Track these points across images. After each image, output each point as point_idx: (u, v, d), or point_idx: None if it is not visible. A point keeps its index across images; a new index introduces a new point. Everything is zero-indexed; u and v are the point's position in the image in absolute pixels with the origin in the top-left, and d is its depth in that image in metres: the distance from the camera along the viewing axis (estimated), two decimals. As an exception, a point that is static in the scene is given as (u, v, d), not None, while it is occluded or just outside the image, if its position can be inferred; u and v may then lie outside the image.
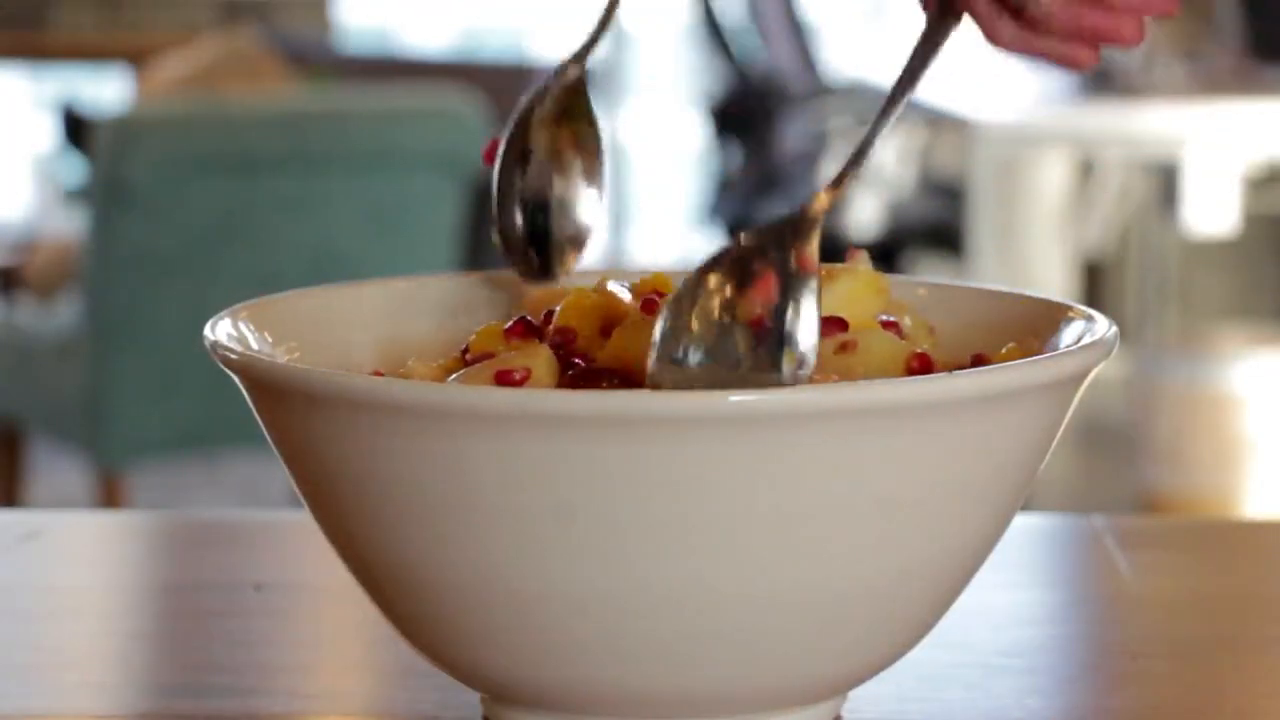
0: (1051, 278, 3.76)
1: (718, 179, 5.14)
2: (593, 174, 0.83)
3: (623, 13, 0.84)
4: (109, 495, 3.29)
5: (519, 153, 0.83)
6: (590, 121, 0.83)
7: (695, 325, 0.67)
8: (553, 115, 0.83)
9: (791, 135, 4.93)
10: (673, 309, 0.67)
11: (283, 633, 0.91)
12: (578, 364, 0.73)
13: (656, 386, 0.66)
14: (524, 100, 0.84)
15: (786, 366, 0.66)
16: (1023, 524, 0.95)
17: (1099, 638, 0.91)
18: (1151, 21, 0.71)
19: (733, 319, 0.67)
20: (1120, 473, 3.98)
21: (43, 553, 1.02)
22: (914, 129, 4.52)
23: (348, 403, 0.67)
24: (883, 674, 0.74)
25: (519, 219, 0.83)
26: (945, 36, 0.71)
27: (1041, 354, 0.75)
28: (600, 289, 0.77)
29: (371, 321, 0.83)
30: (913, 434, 0.66)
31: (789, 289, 0.67)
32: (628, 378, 0.71)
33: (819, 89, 4.98)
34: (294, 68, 4.06)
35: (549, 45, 6.50)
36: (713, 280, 0.67)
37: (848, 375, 0.72)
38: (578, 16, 6.36)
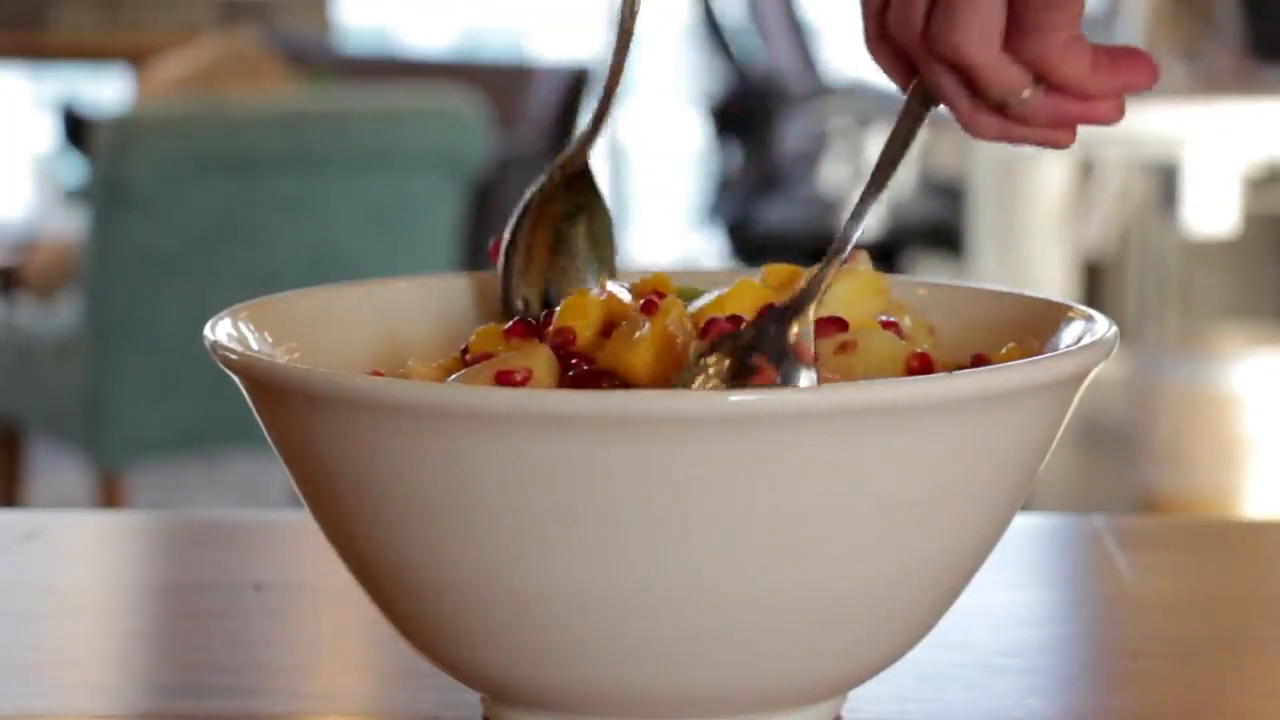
0: (1051, 278, 3.76)
1: (718, 179, 5.14)
2: (604, 257, 0.83)
3: (621, 96, 0.83)
4: (109, 495, 3.29)
5: (525, 246, 0.83)
6: (597, 205, 0.83)
7: None
8: (558, 205, 0.82)
9: (791, 135, 4.93)
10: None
11: (283, 633, 0.91)
12: (576, 364, 0.73)
13: None
14: (529, 192, 0.83)
15: None
16: (1023, 524, 0.95)
17: (1099, 638, 0.91)
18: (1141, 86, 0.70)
19: None
20: (1120, 473, 3.98)
21: (43, 553, 1.02)
22: (914, 129, 4.51)
23: (348, 403, 0.67)
24: (883, 674, 0.74)
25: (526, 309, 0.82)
26: (923, 120, 0.71)
27: (1041, 354, 0.75)
28: (600, 289, 0.77)
29: (371, 321, 0.83)
30: (913, 434, 0.66)
31: (787, 380, 0.68)
32: (627, 378, 0.71)
33: (819, 89, 4.99)
34: (294, 68, 4.06)
35: (549, 45, 6.50)
36: (711, 366, 0.68)
37: (848, 375, 0.72)
38: (578, 16, 6.36)
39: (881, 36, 0.70)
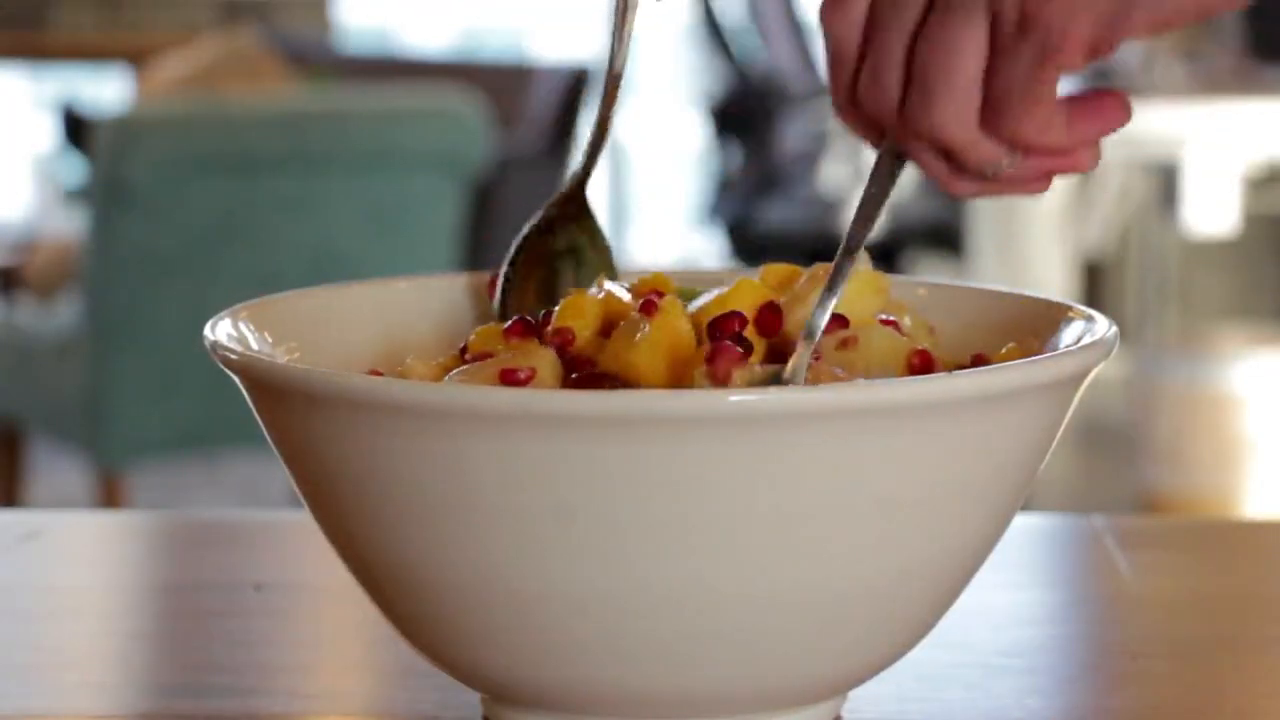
0: (1051, 278, 3.76)
1: (718, 179, 5.14)
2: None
3: (615, 130, 0.83)
4: (109, 495, 3.29)
5: (521, 282, 0.82)
6: (595, 239, 0.82)
7: None
8: (554, 240, 0.82)
9: (791, 135, 4.93)
10: None
11: (283, 633, 0.91)
12: (577, 365, 0.73)
13: None
14: (526, 227, 0.83)
15: None
16: (1023, 524, 0.95)
17: (1099, 638, 0.91)
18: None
19: None
20: (1120, 473, 3.98)
21: (43, 553, 1.02)
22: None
23: (348, 403, 0.67)
24: (883, 674, 0.74)
25: None
26: (897, 177, 0.70)
27: (1041, 354, 0.75)
28: (599, 289, 0.77)
29: (371, 321, 0.83)
30: (913, 434, 0.66)
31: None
32: (629, 380, 0.71)
33: (819, 89, 4.98)
34: (294, 68, 4.06)
35: (549, 45, 6.51)
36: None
37: (849, 370, 0.72)
38: (578, 16, 6.36)
39: (852, 103, 0.69)
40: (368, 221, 3.29)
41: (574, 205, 0.83)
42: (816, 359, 0.71)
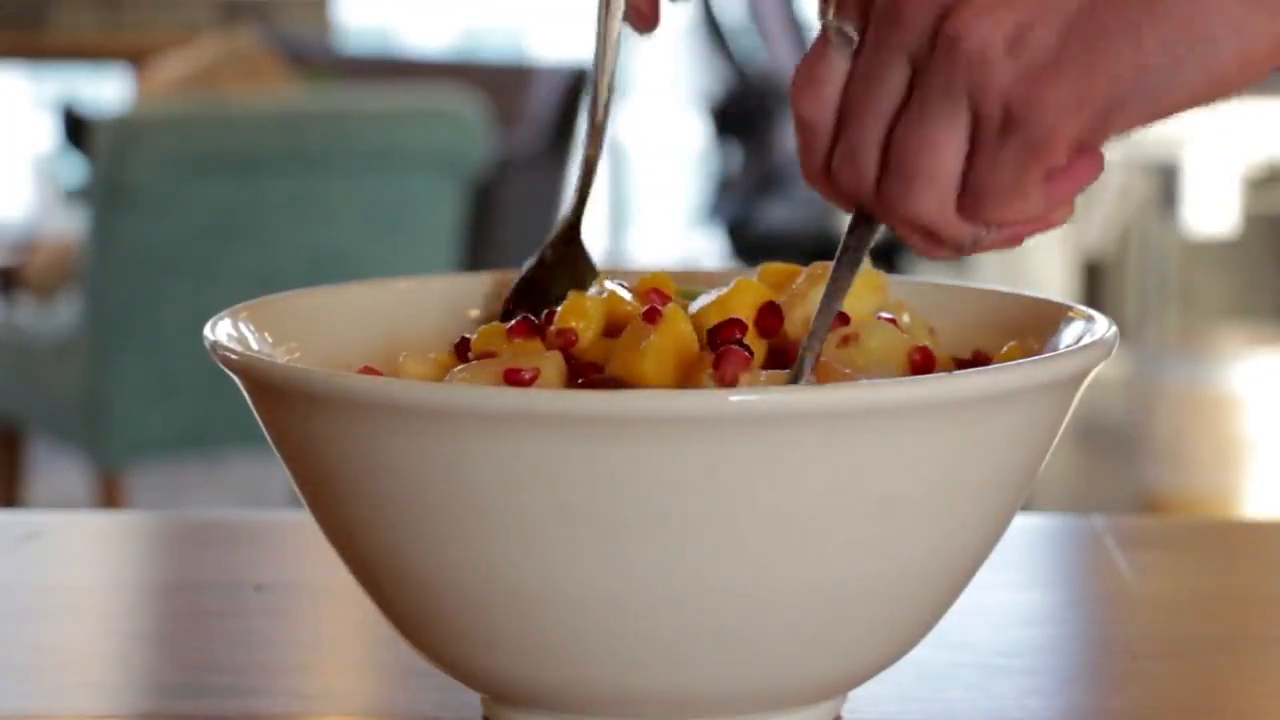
0: (1051, 278, 3.76)
1: (718, 179, 5.14)
2: None
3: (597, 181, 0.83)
4: (109, 495, 3.29)
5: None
6: (591, 281, 0.82)
7: None
8: (552, 282, 0.82)
9: (791, 135, 4.92)
10: None
11: (283, 633, 0.91)
12: (577, 363, 0.73)
13: None
14: (524, 267, 0.83)
15: None
16: (1023, 524, 0.95)
17: (1099, 638, 0.91)
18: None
19: None
20: (1120, 473, 3.98)
21: (43, 553, 1.02)
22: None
23: (348, 403, 0.67)
24: (883, 674, 0.74)
25: None
26: (871, 239, 0.69)
27: (1041, 354, 0.75)
28: (600, 288, 0.77)
29: (371, 321, 0.83)
30: (913, 434, 0.66)
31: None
32: (633, 387, 0.71)
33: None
34: (294, 68, 4.06)
35: (549, 45, 6.51)
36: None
37: (850, 367, 0.72)
38: (578, 16, 6.36)
39: (826, 177, 0.68)
40: (368, 221, 3.29)
41: (570, 248, 0.83)
42: (818, 358, 0.71)
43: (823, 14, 0.67)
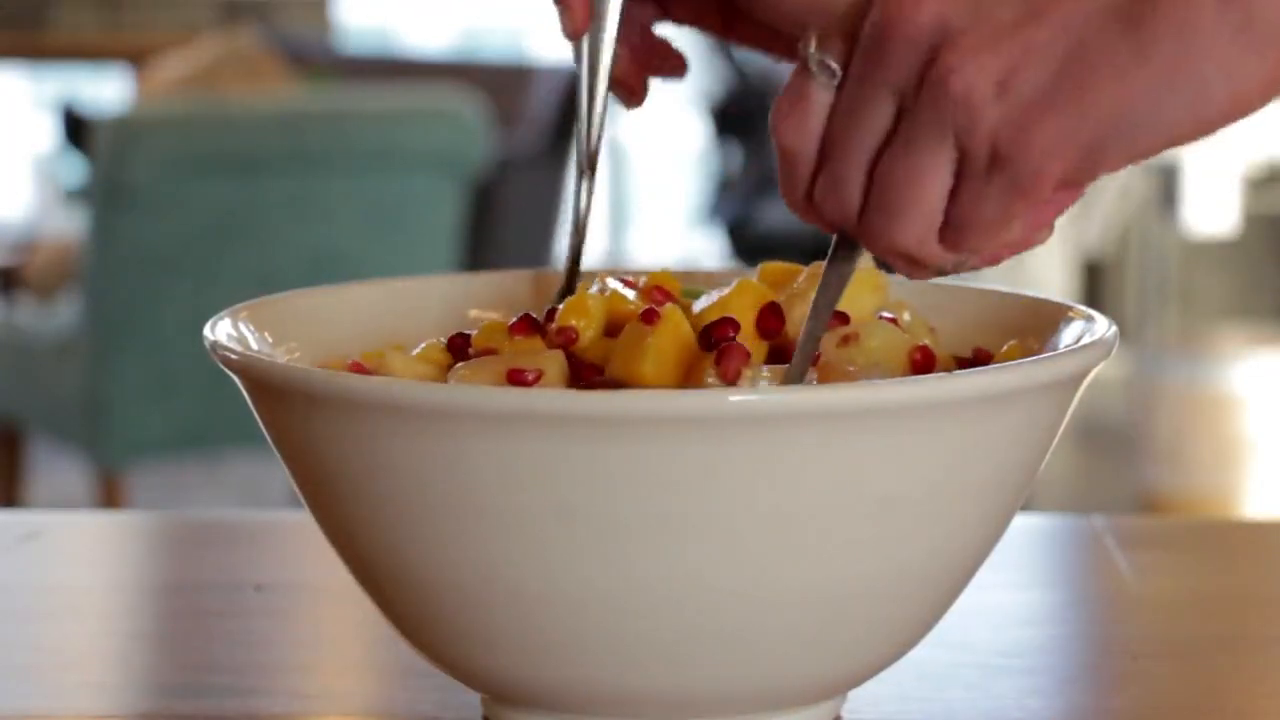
0: (1051, 278, 3.76)
1: (718, 179, 5.14)
2: None
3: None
4: (109, 495, 3.29)
5: None
6: None
7: None
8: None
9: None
10: None
11: (283, 633, 0.91)
12: (578, 362, 0.73)
13: None
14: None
15: None
16: (1023, 524, 0.95)
17: (1099, 638, 0.91)
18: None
19: None
20: (1120, 473, 3.98)
21: (43, 553, 1.02)
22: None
23: (348, 403, 0.67)
24: (883, 674, 0.74)
25: None
26: (854, 262, 0.70)
27: (1041, 354, 0.75)
28: (601, 287, 0.77)
29: (372, 321, 0.83)
30: (913, 434, 0.66)
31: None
32: (634, 388, 0.71)
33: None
34: (294, 68, 4.06)
35: (549, 45, 6.50)
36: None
37: (851, 366, 0.72)
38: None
39: (808, 204, 0.68)
40: (368, 221, 3.29)
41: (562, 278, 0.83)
42: (818, 357, 0.71)
43: (804, 46, 0.67)
